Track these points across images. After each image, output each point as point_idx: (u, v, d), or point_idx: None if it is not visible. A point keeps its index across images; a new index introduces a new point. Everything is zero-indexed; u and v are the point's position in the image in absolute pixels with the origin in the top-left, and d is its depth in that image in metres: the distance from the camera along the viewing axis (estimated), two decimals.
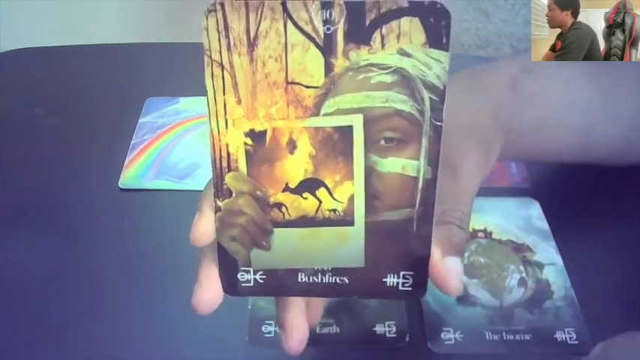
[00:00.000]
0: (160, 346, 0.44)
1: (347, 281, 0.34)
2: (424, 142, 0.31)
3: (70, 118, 0.64)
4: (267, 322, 0.45)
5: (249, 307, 0.46)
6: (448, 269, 0.34)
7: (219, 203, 0.33)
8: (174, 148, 0.60)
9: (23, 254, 0.50)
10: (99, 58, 0.73)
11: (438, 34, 0.30)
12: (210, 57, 0.30)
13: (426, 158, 0.31)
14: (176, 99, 0.65)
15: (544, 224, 0.51)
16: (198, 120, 0.62)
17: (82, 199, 0.55)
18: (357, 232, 0.33)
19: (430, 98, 0.31)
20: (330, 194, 0.32)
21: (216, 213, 0.33)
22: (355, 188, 0.32)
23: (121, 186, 0.56)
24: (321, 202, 0.32)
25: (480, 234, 0.50)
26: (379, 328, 0.44)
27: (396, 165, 0.32)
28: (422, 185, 0.32)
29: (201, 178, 0.56)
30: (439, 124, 0.31)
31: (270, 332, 0.44)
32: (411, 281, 0.33)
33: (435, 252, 0.33)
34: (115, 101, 0.66)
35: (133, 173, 0.57)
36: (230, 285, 0.34)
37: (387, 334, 0.44)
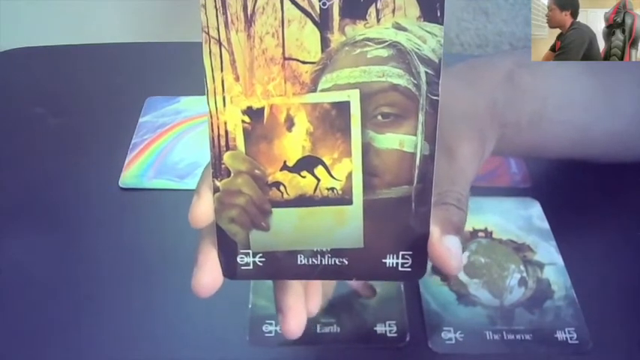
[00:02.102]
0: (159, 346, 0.44)
1: (346, 262, 0.34)
2: (421, 117, 0.31)
3: (70, 117, 0.64)
4: (268, 321, 0.45)
5: (250, 306, 0.46)
6: (447, 248, 0.33)
7: (218, 183, 0.32)
8: (174, 147, 0.60)
9: (23, 254, 0.50)
10: (99, 58, 0.73)
11: (432, 8, 0.30)
12: (208, 34, 0.30)
13: (423, 133, 0.31)
14: (176, 98, 0.65)
15: (544, 224, 0.51)
16: (199, 119, 0.62)
17: (82, 198, 0.55)
18: (355, 212, 0.33)
19: (426, 72, 0.31)
20: (329, 172, 0.32)
21: (214, 193, 0.33)
22: (353, 165, 0.32)
23: (121, 185, 0.56)
24: (319, 180, 0.32)
25: (481, 234, 0.50)
26: (380, 328, 0.44)
27: (394, 141, 0.32)
28: (419, 161, 0.32)
29: None
30: (435, 98, 0.31)
31: (270, 332, 0.44)
32: (410, 261, 0.33)
33: (434, 232, 0.33)
34: (115, 101, 0.66)
35: (134, 173, 0.57)
36: (229, 268, 0.34)
37: (388, 334, 0.44)
